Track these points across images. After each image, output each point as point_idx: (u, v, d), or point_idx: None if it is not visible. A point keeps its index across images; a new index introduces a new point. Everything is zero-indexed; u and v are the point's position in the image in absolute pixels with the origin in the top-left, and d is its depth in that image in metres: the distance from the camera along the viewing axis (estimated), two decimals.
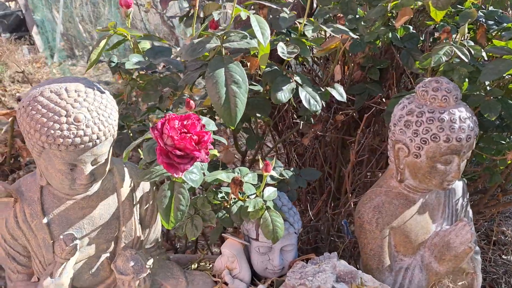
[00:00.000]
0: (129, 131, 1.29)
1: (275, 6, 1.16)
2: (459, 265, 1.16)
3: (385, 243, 1.17)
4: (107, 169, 1.01)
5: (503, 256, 2.10)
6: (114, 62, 1.19)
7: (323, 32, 1.50)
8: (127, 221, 1.10)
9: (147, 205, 1.14)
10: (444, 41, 1.22)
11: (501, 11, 1.41)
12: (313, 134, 1.50)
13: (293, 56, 1.09)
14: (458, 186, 1.26)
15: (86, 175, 0.95)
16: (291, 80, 1.17)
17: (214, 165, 1.28)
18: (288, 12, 1.18)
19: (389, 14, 1.34)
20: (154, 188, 1.16)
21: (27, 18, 4.95)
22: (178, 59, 1.25)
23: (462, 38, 1.21)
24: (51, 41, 4.82)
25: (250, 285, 1.18)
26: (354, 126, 1.66)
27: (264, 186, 1.11)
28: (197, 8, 1.09)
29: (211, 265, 1.27)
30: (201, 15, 1.34)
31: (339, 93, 1.27)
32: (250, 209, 1.06)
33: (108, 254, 1.11)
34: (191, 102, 1.01)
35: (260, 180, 1.16)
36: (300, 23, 1.18)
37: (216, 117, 1.39)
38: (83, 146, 0.90)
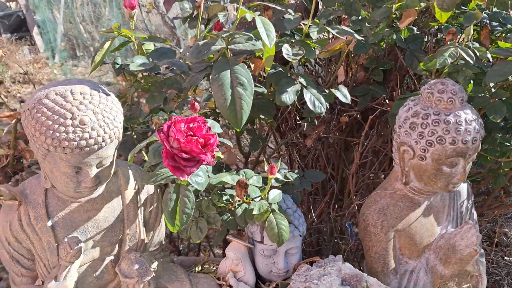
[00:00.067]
0: (133, 133, 1.28)
1: (280, 8, 1.15)
2: (464, 268, 1.15)
3: (390, 245, 1.17)
4: (112, 171, 1.00)
5: (506, 258, 2.10)
6: (118, 64, 1.19)
7: (325, 33, 1.50)
8: (132, 223, 1.10)
9: (151, 208, 1.13)
10: (449, 42, 1.22)
11: (505, 12, 1.41)
12: (316, 135, 1.49)
13: (299, 58, 1.08)
14: (463, 188, 1.25)
15: (91, 178, 0.94)
16: (295, 82, 1.16)
17: (217, 167, 1.28)
18: (293, 14, 1.18)
19: (394, 16, 1.34)
20: (158, 190, 1.15)
21: (28, 19, 4.95)
22: (180, 60, 1.24)
23: (467, 40, 1.21)
24: (52, 42, 4.82)
25: None
26: (357, 128, 1.66)
27: (269, 189, 1.11)
28: (201, 10, 1.08)
29: (215, 268, 1.26)
30: (204, 16, 1.33)
31: (343, 94, 1.27)
32: (255, 212, 1.06)
33: (112, 257, 1.11)
34: (196, 104, 1.01)
35: (264, 183, 1.16)
36: (305, 24, 1.18)
37: (220, 118, 1.39)
38: (88, 149, 0.90)
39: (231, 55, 1.06)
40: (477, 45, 1.20)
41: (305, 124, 1.43)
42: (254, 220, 1.07)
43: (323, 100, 1.18)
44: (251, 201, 1.10)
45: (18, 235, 1.03)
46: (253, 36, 1.02)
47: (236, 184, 1.06)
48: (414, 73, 1.46)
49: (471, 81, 1.19)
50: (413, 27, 1.40)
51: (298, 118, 1.64)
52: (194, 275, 1.20)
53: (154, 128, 1.50)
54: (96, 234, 1.06)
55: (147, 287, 1.07)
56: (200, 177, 0.97)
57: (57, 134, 0.87)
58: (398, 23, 1.35)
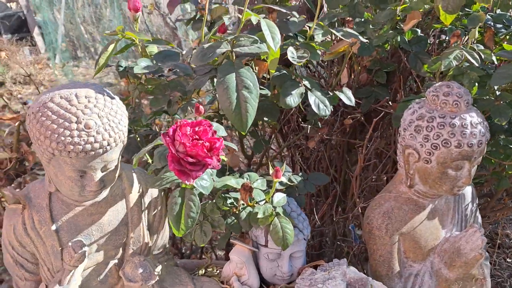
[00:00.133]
0: (136, 136, 1.28)
1: (284, 10, 1.15)
2: (469, 271, 1.15)
3: (394, 249, 1.16)
4: (117, 175, 1.00)
5: (508, 260, 2.09)
6: (122, 67, 1.18)
7: (328, 35, 1.49)
8: (136, 227, 1.09)
9: (155, 211, 1.13)
10: (454, 45, 1.21)
11: (509, 14, 1.40)
12: (319, 137, 1.49)
13: (303, 61, 1.08)
14: (467, 191, 1.25)
15: (96, 182, 0.94)
16: (300, 85, 1.16)
17: (221, 169, 1.27)
18: (298, 16, 1.17)
19: (398, 18, 1.33)
20: (162, 193, 1.15)
21: (29, 19, 4.94)
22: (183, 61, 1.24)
23: (472, 42, 1.21)
24: (53, 42, 4.81)
25: None
26: (360, 130, 1.65)
27: (274, 192, 1.10)
28: (206, 12, 1.08)
29: (218, 271, 1.26)
30: (208, 18, 1.33)
31: (347, 97, 1.26)
32: (259, 215, 1.05)
33: (116, 261, 1.10)
34: (201, 107, 1.00)
35: (268, 186, 1.15)
36: (309, 27, 1.17)
37: (223, 120, 1.38)
38: (93, 153, 0.89)
39: (235, 57, 1.05)
40: (482, 47, 1.19)
41: (309, 126, 1.42)
42: (259, 223, 1.07)
43: (327, 102, 1.18)
44: (256, 205, 1.10)
45: (22, 239, 1.02)
46: (258, 38, 1.02)
47: (241, 187, 1.06)
48: (417, 75, 1.45)
49: (476, 84, 1.19)
50: (417, 29, 1.39)
51: (300, 120, 1.64)
52: (198, 279, 1.20)
53: (157, 129, 1.50)
54: (100, 238, 1.05)
55: None
56: (205, 181, 0.97)
57: (62, 138, 0.87)
58: (402, 25, 1.35)
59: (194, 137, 0.85)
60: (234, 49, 1.00)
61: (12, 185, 1.53)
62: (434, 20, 1.46)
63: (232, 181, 1.09)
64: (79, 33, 4.96)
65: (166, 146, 0.87)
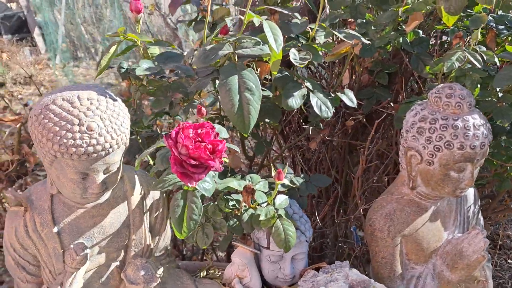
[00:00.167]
0: (138, 137, 1.27)
1: (286, 12, 1.14)
2: (471, 273, 1.15)
3: (396, 251, 1.16)
4: (119, 177, 1.00)
5: (509, 261, 2.09)
6: (124, 68, 1.18)
7: (330, 37, 1.49)
8: (137, 229, 1.09)
9: (157, 213, 1.13)
10: (456, 46, 1.21)
11: (511, 15, 1.40)
12: (320, 138, 1.49)
13: (306, 62, 1.07)
14: (470, 193, 1.25)
15: (98, 184, 0.93)
16: (302, 86, 1.15)
17: (222, 170, 1.27)
18: (300, 18, 1.17)
19: (400, 19, 1.33)
20: (164, 195, 1.15)
21: (29, 20, 4.94)
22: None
23: (474, 43, 1.20)
24: (54, 43, 4.81)
25: None
26: (362, 131, 1.65)
27: (276, 194, 1.10)
28: (208, 14, 1.07)
29: (220, 273, 1.25)
30: (209, 19, 1.32)
31: (349, 98, 1.26)
32: (261, 218, 1.05)
33: (118, 263, 1.10)
34: (203, 109, 1.00)
35: (270, 188, 1.15)
36: (312, 28, 1.17)
37: (224, 122, 1.38)
38: (95, 155, 0.89)
39: (237, 59, 1.05)
40: (484, 48, 1.19)
41: (311, 128, 1.42)
42: (261, 225, 1.07)
43: (329, 104, 1.17)
44: (258, 207, 1.09)
45: (24, 241, 1.02)
46: (260, 40, 1.02)
47: (243, 189, 1.06)
48: (419, 76, 1.45)
49: (478, 85, 1.18)
50: (419, 30, 1.39)
51: (302, 121, 1.64)
52: (199, 281, 1.20)
53: (158, 131, 1.49)
54: (102, 240, 1.05)
55: None
56: (207, 183, 0.97)
57: (64, 141, 0.87)
58: (404, 27, 1.35)
59: (197, 139, 0.85)
60: (236, 51, 1.00)
61: (13, 186, 1.53)
62: (436, 21, 1.46)
63: (234, 183, 1.09)
64: (80, 34, 4.96)
65: (168, 148, 0.87)
